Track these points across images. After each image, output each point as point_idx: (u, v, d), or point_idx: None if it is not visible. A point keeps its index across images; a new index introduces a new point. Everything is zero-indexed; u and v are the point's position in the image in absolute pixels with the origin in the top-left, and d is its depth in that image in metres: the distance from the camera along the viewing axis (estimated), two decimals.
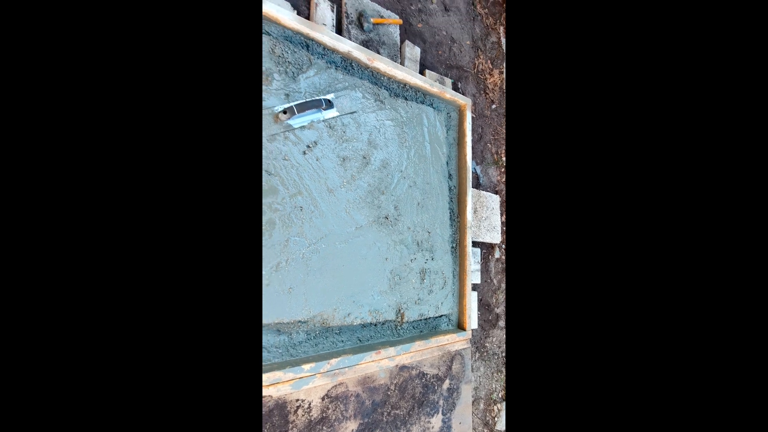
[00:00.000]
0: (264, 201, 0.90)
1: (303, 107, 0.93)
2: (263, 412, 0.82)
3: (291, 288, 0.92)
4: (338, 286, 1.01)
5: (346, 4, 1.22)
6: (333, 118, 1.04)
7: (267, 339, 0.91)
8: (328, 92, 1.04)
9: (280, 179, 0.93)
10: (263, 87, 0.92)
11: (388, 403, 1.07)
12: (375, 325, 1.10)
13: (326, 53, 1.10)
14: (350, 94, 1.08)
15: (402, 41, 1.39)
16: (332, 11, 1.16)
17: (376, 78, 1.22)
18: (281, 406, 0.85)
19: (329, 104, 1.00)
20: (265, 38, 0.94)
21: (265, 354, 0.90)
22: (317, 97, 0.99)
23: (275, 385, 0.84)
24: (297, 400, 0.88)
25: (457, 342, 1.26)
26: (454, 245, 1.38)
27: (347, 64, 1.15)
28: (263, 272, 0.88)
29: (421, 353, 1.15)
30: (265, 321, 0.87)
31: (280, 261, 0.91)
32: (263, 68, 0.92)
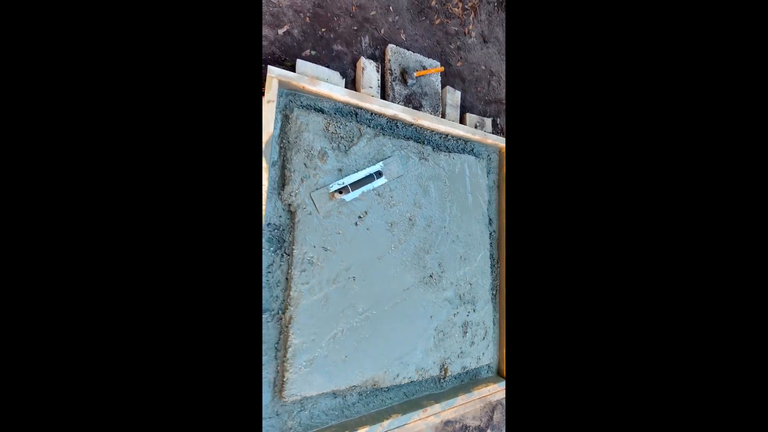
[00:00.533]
0: (322, 277, 0.95)
1: (357, 185, 0.96)
2: None
3: (346, 357, 0.97)
4: (388, 349, 1.06)
5: (390, 61, 1.22)
6: (381, 185, 1.06)
7: (324, 403, 0.97)
8: (377, 160, 1.07)
9: (336, 254, 0.98)
10: (319, 165, 0.96)
11: None
12: (420, 381, 1.15)
13: (373, 117, 1.12)
14: (397, 158, 1.10)
15: (443, 86, 1.38)
16: (377, 71, 1.16)
17: (420, 134, 1.23)
18: None
19: (379, 175, 1.03)
20: (319, 116, 0.97)
21: (322, 417, 0.97)
22: (369, 171, 1.02)
23: None
24: None
25: (498, 392, 1.29)
26: (494, 292, 1.39)
27: (393, 125, 1.17)
28: (322, 344, 0.94)
29: (464, 407, 1.19)
30: (324, 389, 0.94)
31: (336, 332, 0.96)
32: (318, 147, 0.96)
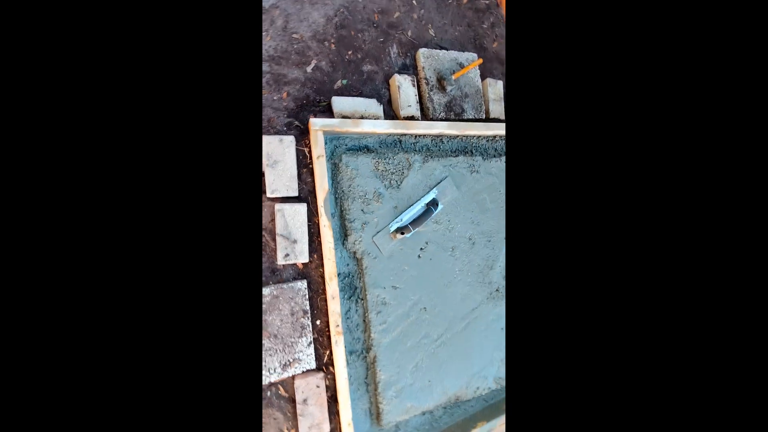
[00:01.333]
0: (396, 314, 0.98)
1: (417, 223, 0.94)
2: None
3: (430, 381, 1.03)
4: (466, 367, 1.10)
5: (423, 69, 1.12)
6: (438, 212, 1.04)
7: (415, 421, 1.06)
8: (429, 186, 1.03)
9: (405, 290, 1.00)
10: (375, 207, 0.95)
11: None
12: (498, 389, 1.19)
13: (418, 140, 1.07)
14: (449, 181, 1.05)
15: (483, 79, 1.25)
16: (413, 85, 1.08)
17: (466, 143, 1.15)
18: None
19: (435, 205, 0.99)
20: (367, 157, 0.94)
21: None
22: (424, 202, 0.99)
23: None
24: None
25: None
26: None
27: (438, 140, 1.10)
28: (407, 374, 1.00)
29: None
30: (414, 412, 1.02)
31: (417, 361, 1.02)
32: (372, 190, 0.94)
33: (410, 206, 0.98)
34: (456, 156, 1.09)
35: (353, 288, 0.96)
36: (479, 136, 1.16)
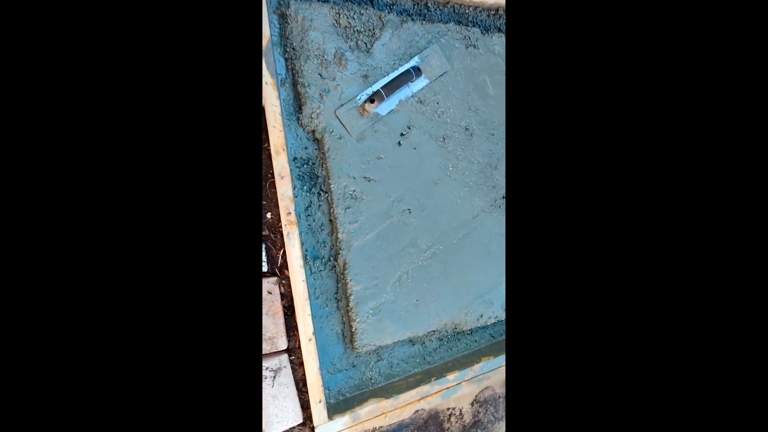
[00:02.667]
0: (371, 212, 0.79)
1: (391, 87, 0.73)
2: (419, 425, 0.81)
3: (418, 300, 0.83)
4: (466, 288, 0.89)
5: None
6: (423, 89, 0.82)
7: (402, 351, 0.87)
8: (410, 56, 0.81)
9: (381, 183, 0.80)
10: (338, 72, 0.75)
11: None
12: None
13: (395, 1, 0.85)
14: (436, 49, 0.83)
15: None
16: None
17: (460, 14, 0.92)
18: (434, 416, 0.83)
19: (417, 72, 0.78)
20: (325, 7, 0.74)
21: (403, 365, 0.87)
22: (404, 67, 0.78)
23: (425, 399, 0.81)
24: (448, 409, 0.84)
25: None
26: None
27: (422, 6, 0.88)
28: (387, 288, 0.81)
29: None
30: (399, 337, 0.83)
31: (401, 274, 0.82)
32: (332, 49, 0.74)
33: (390, 79, 0.77)
34: (446, 24, 0.87)
35: (314, 177, 0.77)
36: (477, 6, 0.93)
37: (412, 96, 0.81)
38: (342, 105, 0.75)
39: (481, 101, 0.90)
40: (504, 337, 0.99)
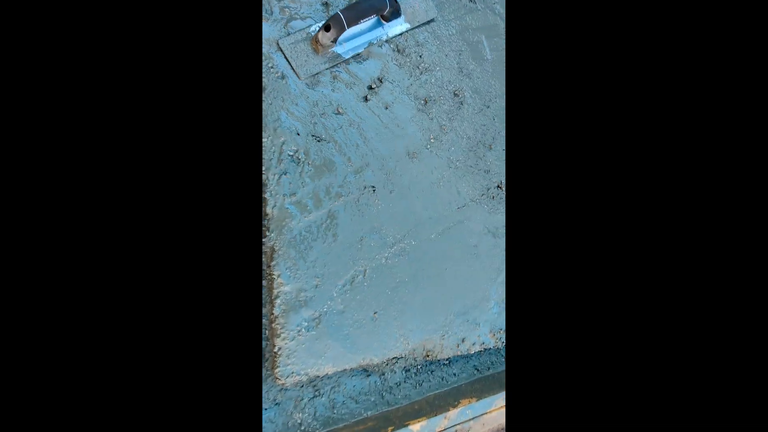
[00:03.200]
0: (318, 184, 0.58)
1: (355, 13, 0.55)
2: None
3: (376, 312, 0.60)
4: (443, 300, 0.66)
5: None
6: (401, 34, 0.64)
7: (353, 384, 0.62)
8: None
9: (336, 146, 0.59)
10: None
11: None
12: (499, 349, 0.74)
13: None
14: None
15: None
16: None
17: None
18: None
19: (394, 7, 0.60)
20: None
21: (350, 405, 0.62)
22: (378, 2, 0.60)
23: None
24: None
25: None
26: None
27: None
28: (333, 293, 0.58)
29: None
30: (346, 364, 0.59)
31: (355, 273, 0.59)
32: None
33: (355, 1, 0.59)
34: None
35: None
36: None
37: (386, 41, 0.63)
38: (289, 34, 0.56)
39: (476, 64, 0.72)
40: (492, 371, 0.75)
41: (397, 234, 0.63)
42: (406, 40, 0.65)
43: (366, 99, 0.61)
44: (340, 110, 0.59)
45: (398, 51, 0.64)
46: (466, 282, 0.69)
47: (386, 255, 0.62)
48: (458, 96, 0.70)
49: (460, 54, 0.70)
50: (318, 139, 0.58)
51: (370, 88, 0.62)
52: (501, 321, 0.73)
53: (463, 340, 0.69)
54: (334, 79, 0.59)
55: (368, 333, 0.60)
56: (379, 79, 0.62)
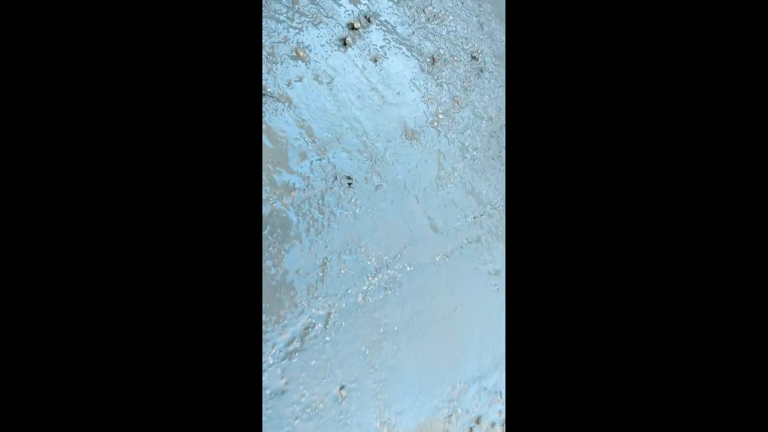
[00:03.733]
0: (271, 164, 0.35)
1: None
2: None
3: (343, 387, 0.37)
4: (448, 361, 0.43)
5: None
6: None
7: None
8: None
9: (292, 109, 0.37)
10: None
11: None
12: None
13: None
14: None
15: None
16: None
17: None
18: None
19: None
20: None
21: None
22: None
23: None
24: None
25: None
26: None
27: None
28: (269, 357, 0.34)
29: None
30: None
31: (311, 321, 0.36)
32: None
33: None
34: None
35: None
36: None
37: None
38: None
39: (500, 24, 0.53)
40: None
41: (383, 255, 0.41)
42: None
43: (345, 43, 0.40)
44: (301, 53, 0.38)
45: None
46: (483, 331, 0.47)
47: (365, 288, 0.39)
48: (477, 60, 0.50)
49: (480, 5, 0.51)
50: (276, 98, 0.35)
51: (351, 27, 0.41)
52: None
53: (478, 421, 0.46)
54: (293, 2, 0.37)
55: (329, 424, 0.36)
56: (366, 16, 0.41)
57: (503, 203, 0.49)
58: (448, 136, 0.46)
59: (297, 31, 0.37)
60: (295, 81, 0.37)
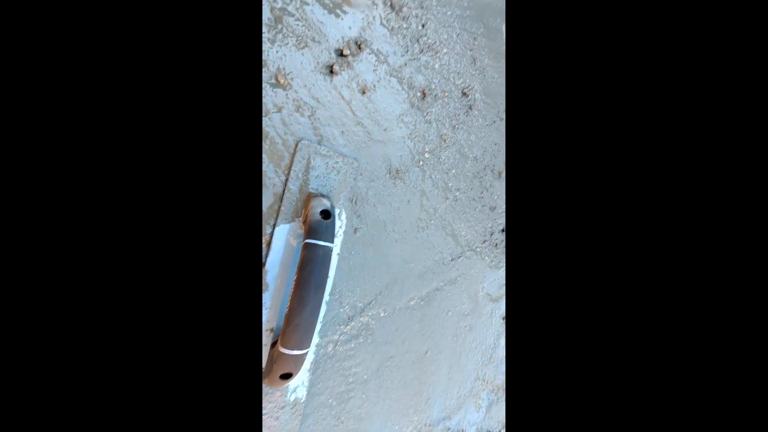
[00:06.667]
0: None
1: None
2: None
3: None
4: (416, 404, 0.43)
5: None
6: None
7: None
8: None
9: (268, 141, 0.34)
10: None
11: None
12: None
13: None
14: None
15: None
16: None
17: None
18: None
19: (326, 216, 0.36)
20: None
21: None
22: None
23: None
24: None
25: None
26: None
27: None
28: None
29: None
30: None
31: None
32: None
33: None
34: None
35: None
36: None
37: None
38: None
39: (492, 59, 0.52)
40: None
41: (358, 300, 0.39)
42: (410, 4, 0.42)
43: (332, 71, 0.36)
44: (282, 79, 0.34)
45: (392, 7, 0.41)
46: (451, 371, 0.48)
47: (336, 338, 0.38)
48: (467, 96, 0.49)
49: (475, 39, 0.50)
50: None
51: (340, 54, 0.37)
52: (491, 422, 0.52)
53: None
54: (277, 22, 0.33)
55: None
56: (356, 42, 0.38)
57: (481, 246, 0.49)
58: (433, 176, 0.44)
59: (284, 51, 0.33)
60: (273, 112, 0.33)
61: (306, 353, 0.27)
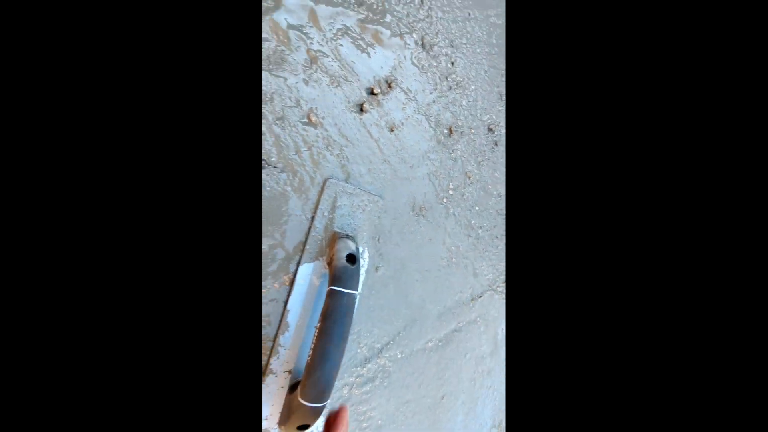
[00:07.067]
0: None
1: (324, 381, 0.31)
2: None
3: None
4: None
5: None
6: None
7: None
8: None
9: (294, 178, 0.34)
10: None
11: None
12: None
13: None
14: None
15: None
16: None
17: None
18: None
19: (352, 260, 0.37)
20: None
21: None
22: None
23: None
24: None
25: None
26: None
27: None
28: None
29: None
30: None
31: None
32: None
33: None
34: None
35: None
36: None
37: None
38: None
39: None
40: None
41: (376, 341, 0.38)
42: (437, 35, 0.42)
43: (362, 110, 0.37)
44: (314, 118, 0.34)
45: (423, 46, 0.41)
46: (467, 416, 0.45)
47: (352, 380, 0.36)
48: (493, 132, 0.48)
49: (502, 75, 0.50)
50: (265, 164, 0.31)
51: (371, 92, 0.38)
52: None
53: None
54: (312, 63, 0.34)
55: None
56: (387, 81, 0.39)
57: (502, 286, 0.48)
58: (456, 213, 0.44)
59: (317, 90, 0.34)
60: (304, 150, 0.33)
61: (325, 405, 0.26)
